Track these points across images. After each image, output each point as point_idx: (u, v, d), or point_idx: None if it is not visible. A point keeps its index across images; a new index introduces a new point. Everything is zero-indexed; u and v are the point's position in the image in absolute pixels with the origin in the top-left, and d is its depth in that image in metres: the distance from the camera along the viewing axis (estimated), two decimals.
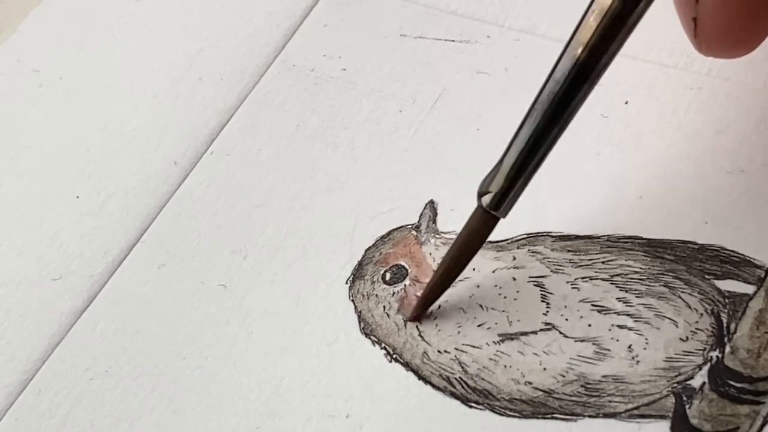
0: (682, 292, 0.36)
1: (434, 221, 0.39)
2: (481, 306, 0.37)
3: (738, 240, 0.36)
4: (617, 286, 0.36)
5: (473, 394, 0.35)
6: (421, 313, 0.37)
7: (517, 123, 0.41)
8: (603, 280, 0.36)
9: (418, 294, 0.37)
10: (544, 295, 0.36)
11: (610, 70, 0.39)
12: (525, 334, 0.36)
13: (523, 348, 0.36)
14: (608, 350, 0.35)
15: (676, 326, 0.35)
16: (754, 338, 0.34)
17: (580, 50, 0.33)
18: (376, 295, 0.38)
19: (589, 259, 0.37)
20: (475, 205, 0.37)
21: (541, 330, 0.36)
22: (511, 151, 0.34)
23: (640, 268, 0.36)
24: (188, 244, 0.41)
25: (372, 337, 0.37)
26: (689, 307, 0.35)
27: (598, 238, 0.37)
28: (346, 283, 0.39)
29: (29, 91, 0.47)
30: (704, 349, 0.35)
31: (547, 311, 0.36)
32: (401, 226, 0.39)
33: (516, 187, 0.35)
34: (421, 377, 0.36)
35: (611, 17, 0.32)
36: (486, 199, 0.35)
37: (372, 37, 0.45)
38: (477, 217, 0.36)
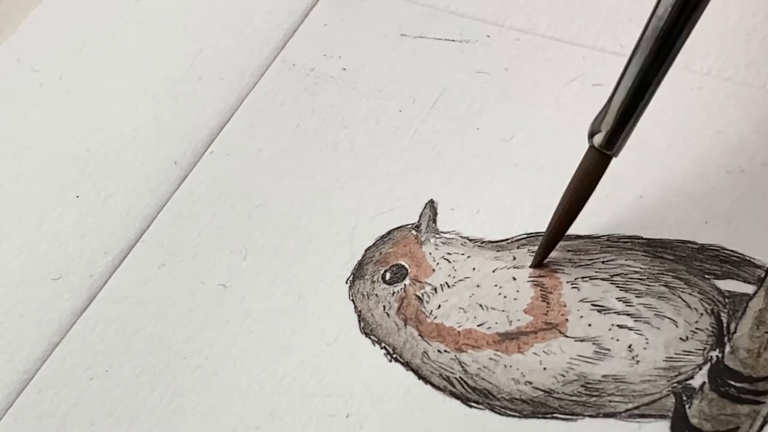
0: (682, 291, 0.36)
1: (434, 221, 0.39)
2: (481, 306, 0.37)
3: (738, 240, 0.36)
4: (617, 286, 0.36)
5: (473, 394, 0.35)
6: (542, 259, 0.37)
7: (517, 122, 0.41)
8: (603, 279, 0.36)
9: (418, 293, 0.37)
10: (544, 295, 0.36)
11: (610, 71, 0.39)
12: (525, 334, 0.36)
13: (524, 348, 0.36)
14: (608, 350, 0.35)
15: (676, 326, 0.35)
16: (754, 338, 0.34)
17: None
18: (376, 295, 0.38)
19: (589, 259, 0.37)
20: (473, 208, 0.37)
21: (541, 330, 0.36)
22: (619, 89, 0.35)
23: (640, 268, 0.36)
24: (188, 244, 0.41)
25: (372, 337, 0.37)
26: (689, 306, 0.35)
27: (598, 238, 0.37)
28: (346, 282, 0.39)
29: (29, 91, 0.47)
30: (704, 349, 0.35)
31: (547, 311, 0.36)
32: (401, 226, 0.39)
33: (627, 125, 0.35)
34: (421, 377, 0.36)
35: None
36: (597, 139, 0.35)
37: (372, 37, 0.45)
38: (590, 157, 0.36)
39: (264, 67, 0.45)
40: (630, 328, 0.35)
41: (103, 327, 0.40)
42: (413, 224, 0.39)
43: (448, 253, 0.38)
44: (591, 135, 0.35)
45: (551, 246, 0.37)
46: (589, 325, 0.36)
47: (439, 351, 0.36)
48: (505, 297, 0.37)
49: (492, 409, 0.35)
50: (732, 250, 0.36)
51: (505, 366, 0.36)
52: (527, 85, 0.42)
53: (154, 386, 0.38)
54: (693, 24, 0.34)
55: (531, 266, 0.37)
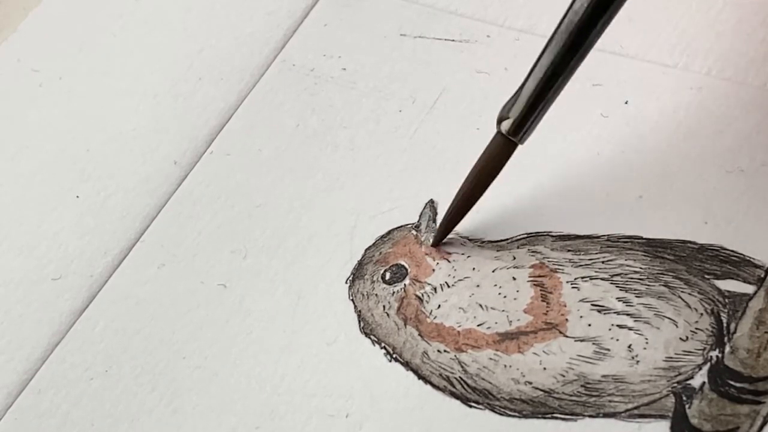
0: (682, 291, 0.36)
1: (434, 221, 0.39)
2: (481, 306, 0.37)
3: (738, 240, 0.36)
4: (617, 286, 0.36)
5: (473, 394, 0.35)
6: (440, 240, 0.38)
7: None
8: (603, 279, 0.36)
9: (418, 293, 0.37)
10: (544, 295, 0.36)
11: (609, 71, 0.39)
12: (525, 334, 0.36)
13: (523, 348, 0.36)
14: (608, 350, 0.35)
15: (676, 326, 0.35)
16: (754, 338, 0.34)
17: None
18: (376, 295, 0.38)
19: (589, 259, 0.37)
20: (473, 208, 0.37)
21: (541, 330, 0.36)
22: (530, 79, 0.35)
23: (640, 268, 0.36)
24: (188, 244, 0.41)
25: (372, 337, 0.37)
26: (689, 306, 0.35)
27: (598, 237, 0.37)
28: (346, 282, 0.39)
29: (29, 91, 0.47)
30: (704, 349, 0.35)
31: (547, 311, 0.36)
32: (401, 226, 0.39)
33: (535, 114, 0.36)
34: (421, 377, 0.36)
35: None
36: (505, 125, 0.36)
37: (372, 37, 0.45)
38: (496, 142, 0.36)
39: (264, 67, 0.45)
40: (630, 328, 0.35)
41: (103, 327, 0.40)
42: (413, 224, 0.39)
43: (448, 253, 0.38)
44: (499, 121, 0.36)
45: (449, 229, 0.38)
46: (589, 325, 0.36)
47: (438, 351, 0.36)
48: (504, 297, 0.37)
49: (492, 409, 0.35)
50: (732, 250, 0.36)
51: (505, 366, 0.36)
52: None
53: (154, 386, 0.38)
54: (608, 21, 0.35)
55: (431, 245, 0.38)
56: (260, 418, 0.36)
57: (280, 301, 0.39)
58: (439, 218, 0.39)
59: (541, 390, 0.35)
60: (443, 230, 0.38)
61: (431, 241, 0.38)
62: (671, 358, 0.35)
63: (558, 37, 0.35)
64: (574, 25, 0.35)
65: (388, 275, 0.38)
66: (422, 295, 0.37)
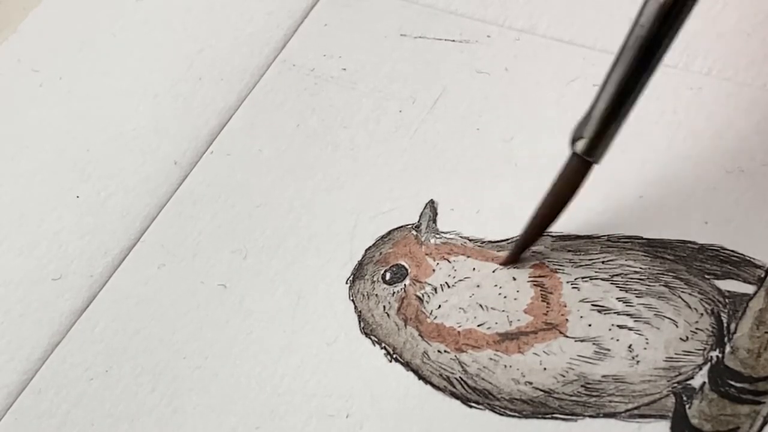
0: (682, 292, 0.36)
1: (434, 221, 0.39)
2: (481, 306, 0.37)
3: (738, 240, 0.36)
4: (617, 286, 0.36)
5: (473, 394, 0.35)
6: (515, 259, 0.37)
7: (517, 123, 0.41)
8: (603, 280, 0.36)
9: (418, 293, 0.37)
10: (544, 295, 0.36)
11: None
12: (525, 334, 0.36)
13: (524, 348, 0.36)
14: (608, 350, 0.35)
15: (676, 326, 0.35)
16: (754, 338, 0.34)
17: None
18: (376, 295, 0.38)
19: (589, 259, 0.37)
20: (473, 208, 0.37)
21: (541, 330, 0.36)
22: (602, 96, 0.35)
23: (640, 268, 0.36)
24: (188, 244, 0.41)
25: (372, 337, 0.37)
26: (689, 307, 0.35)
27: (598, 238, 0.37)
28: (346, 282, 0.39)
29: (29, 91, 0.47)
30: (704, 349, 0.35)
31: (548, 311, 0.36)
32: (401, 226, 0.39)
33: (609, 132, 0.35)
34: (421, 377, 0.36)
35: None
36: (580, 145, 0.35)
37: (372, 37, 0.45)
38: (572, 163, 0.36)
39: (264, 67, 0.45)
40: (630, 328, 0.35)
41: (103, 327, 0.40)
42: (413, 224, 0.39)
43: (448, 253, 0.38)
44: (573, 141, 0.35)
45: (524, 248, 0.37)
46: (589, 325, 0.36)
47: (439, 351, 0.36)
48: (505, 297, 0.37)
49: (492, 410, 0.35)
50: (732, 250, 0.36)
51: (505, 366, 0.36)
52: (527, 85, 0.42)
53: (154, 386, 0.38)
54: (675, 33, 0.34)
55: (501, 263, 0.37)
56: (260, 418, 0.36)
57: (280, 301, 0.39)
58: (439, 218, 0.39)
59: (542, 390, 0.35)
60: (517, 251, 0.37)
61: (432, 241, 0.38)
62: (671, 358, 0.35)
63: (627, 52, 0.34)
64: (642, 40, 0.34)
65: (388, 275, 0.38)
66: (422, 295, 0.37)
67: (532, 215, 0.37)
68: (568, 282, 0.37)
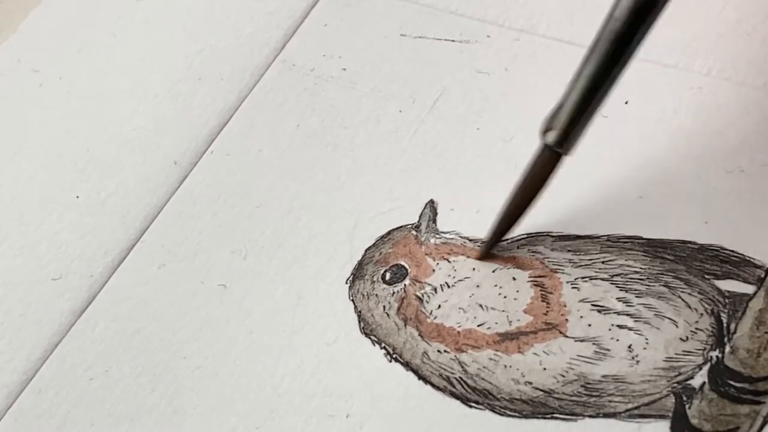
0: (682, 292, 0.36)
1: (434, 221, 0.39)
2: (481, 306, 0.37)
3: (738, 240, 0.36)
4: (617, 286, 0.36)
5: (473, 394, 0.35)
6: (486, 253, 0.37)
7: (517, 123, 0.41)
8: (603, 280, 0.36)
9: (418, 293, 0.37)
10: (544, 295, 0.36)
11: None
12: (525, 334, 0.36)
13: (524, 348, 0.36)
14: (608, 350, 0.35)
15: (676, 326, 0.35)
16: (754, 338, 0.34)
17: None
18: (376, 295, 0.38)
19: (589, 259, 0.37)
20: (473, 208, 0.37)
21: (541, 330, 0.36)
22: (574, 88, 0.35)
23: (640, 268, 0.36)
24: (188, 244, 0.41)
25: (372, 337, 0.37)
26: (689, 307, 0.35)
27: (598, 238, 0.37)
28: (346, 282, 0.39)
29: (29, 91, 0.47)
30: (704, 349, 0.35)
31: (547, 311, 0.36)
32: (401, 226, 0.39)
33: (580, 125, 0.35)
34: (421, 377, 0.36)
35: None
36: (550, 136, 0.35)
37: (372, 37, 0.45)
38: (541, 154, 0.36)
39: (264, 67, 0.45)
40: (630, 329, 0.35)
41: (103, 327, 0.40)
42: (413, 224, 0.39)
43: (448, 253, 0.38)
44: (544, 132, 0.35)
45: (494, 242, 0.37)
46: (589, 325, 0.36)
47: (439, 351, 0.36)
48: (505, 297, 0.37)
49: (492, 409, 0.35)
50: (732, 250, 0.36)
51: (505, 366, 0.36)
52: (527, 85, 0.42)
53: (154, 386, 0.38)
54: (649, 27, 0.34)
55: (476, 258, 0.38)
56: (260, 418, 0.36)
57: (280, 301, 0.39)
58: (439, 218, 0.39)
59: (541, 390, 0.35)
60: (489, 244, 0.37)
61: (432, 241, 0.38)
62: (671, 358, 0.35)
63: (600, 45, 0.34)
64: (615, 33, 0.34)
65: (388, 275, 0.38)
66: (422, 295, 0.37)
67: (502, 208, 0.37)
68: (568, 282, 0.37)
